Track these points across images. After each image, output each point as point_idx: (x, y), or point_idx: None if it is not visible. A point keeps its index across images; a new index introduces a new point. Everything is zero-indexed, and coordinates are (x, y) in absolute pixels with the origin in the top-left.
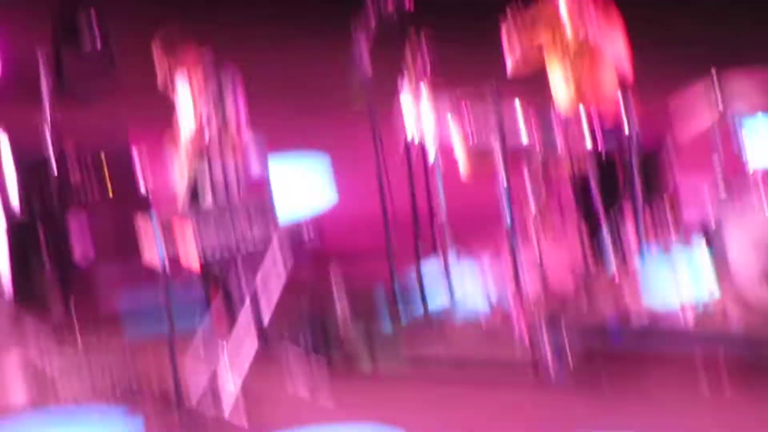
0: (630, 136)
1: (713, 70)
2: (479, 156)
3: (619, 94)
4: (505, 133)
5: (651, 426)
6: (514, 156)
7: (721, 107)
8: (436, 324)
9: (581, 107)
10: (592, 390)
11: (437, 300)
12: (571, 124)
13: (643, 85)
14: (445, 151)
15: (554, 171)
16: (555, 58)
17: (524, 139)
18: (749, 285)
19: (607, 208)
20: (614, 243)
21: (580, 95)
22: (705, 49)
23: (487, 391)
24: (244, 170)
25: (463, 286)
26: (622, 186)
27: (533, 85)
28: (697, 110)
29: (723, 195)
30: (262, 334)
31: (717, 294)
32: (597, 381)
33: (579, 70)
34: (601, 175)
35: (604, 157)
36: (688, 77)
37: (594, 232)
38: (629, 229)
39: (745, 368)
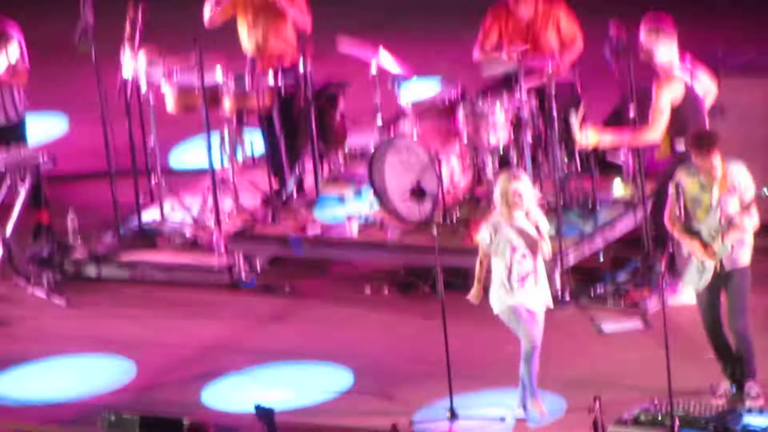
0: (304, 76)
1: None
2: (183, 93)
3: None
4: (203, 74)
5: (324, 318)
6: (213, 93)
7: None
8: (149, 235)
9: (263, 53)
10: (275, 291)
11: (150, 215)
12: (255, 66)
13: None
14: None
15: (243, 104)
16: (242, 14)
17: (219, 79)
18: (400, 200)
19: (287, 135)
20: (292, 167)
21: (264, 43)
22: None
23: (188, 291)
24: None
25: (172, 203)
26: (299, 117)
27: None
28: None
29: (379, 124)
30: (5, 244)
31: (376, 208)
32: (281, 283)
33: (263, 22)
34: (282, 108)
35: (283, 93)
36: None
37: (276, 156)
38: (308, 153)
39: (399, 271)
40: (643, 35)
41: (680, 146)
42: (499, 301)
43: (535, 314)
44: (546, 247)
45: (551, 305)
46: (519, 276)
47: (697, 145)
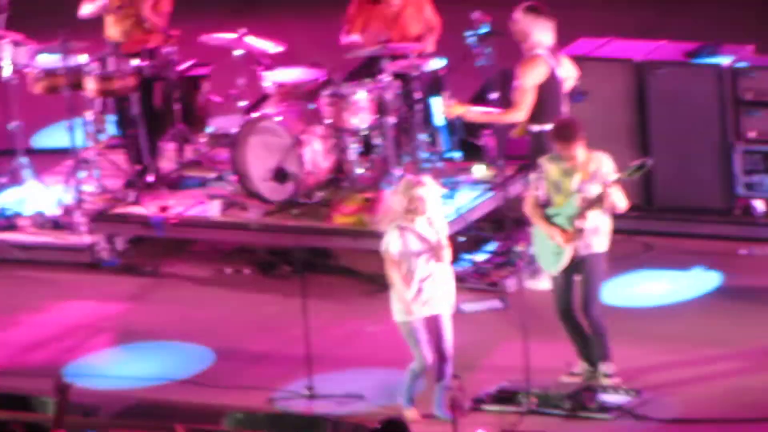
0: (168, 58)
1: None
2: (47, 75)
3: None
4: (68, 56)
5: (185, 298)
6: (76, 75)
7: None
8: (10, 215)
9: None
10: (137, 271)
11: (11, 195)
12: (119, 49)
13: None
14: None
15: (107, 86)
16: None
17: (83, 61)
18: (262, 181)
19: (151, 117)
20: (155, 148)
21: (129, 28)
22: None
23: (50, 271)
24: None
25: (34, 183)
26: (162, 99)
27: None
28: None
29: (242, 105)
30: None
31: (238, 189)
32: (142, 263)
33: (127, 14)
34: (145, 90)
35: (147, 75)
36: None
37: (140, 138)
38: (171, 135)
39: (260, 251)
40: (520, 15)
41: (534, 127)
42: (400, 312)
43: (439, 318)
44: (446, 254)
45: (452, 309)
46: (421, 280)
47: (559, 134)
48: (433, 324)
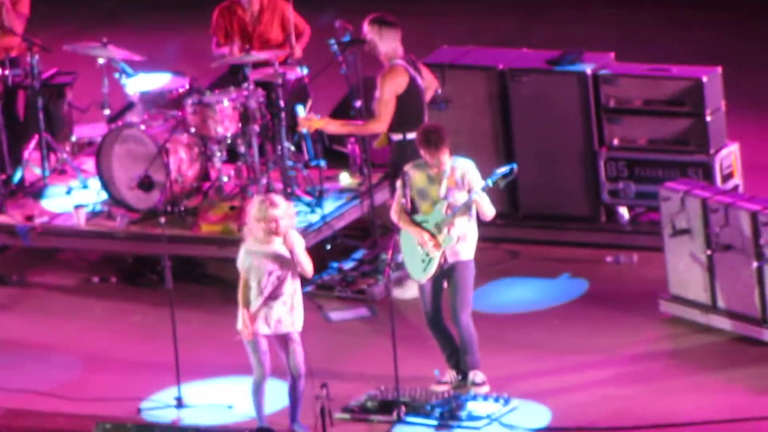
0: (31, 67)
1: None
2: None
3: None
4: None
5: (52, 307)
6: None
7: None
8: None
9: None
10: (3, 280)
11: None
12: None
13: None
14: None
15: None
16: None
17: None
18: (127, 189)
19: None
20: (19, 157)
21: None
22: None
23: None
24: None
25: None
26: (26, 107)
27: None
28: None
29: (107, 114)
30: None
31: (104, 197)
32: (8, 273)
33: None
34: (8, 98)
35: (10, 83)
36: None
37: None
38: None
39: (127, 260)
40: (367, 27)
41: (395, 136)
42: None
43: (289, 337)
44: (308, 266)
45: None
46: (271, 298)
47: (426, 141)
48: (283, 343)
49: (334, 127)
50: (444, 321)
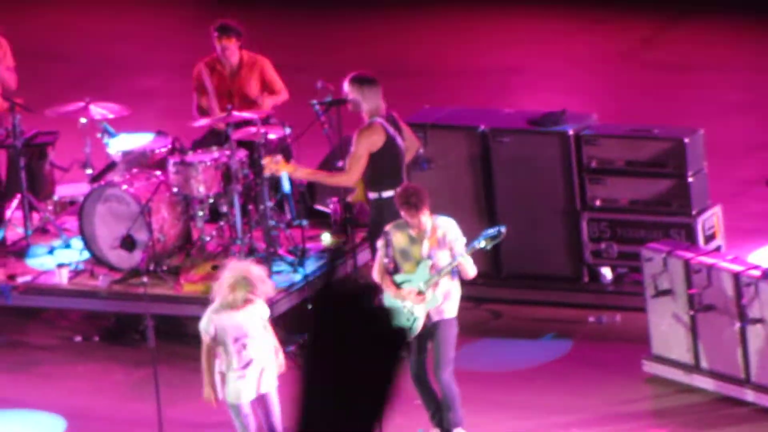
0: (13, 126)
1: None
2: None
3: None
4: None
5: (34, 365)
6: None
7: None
8: None
9: None
10: None
11: None
12: None
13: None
14: None
15: None
16: None
17: None
18: (110, 249)
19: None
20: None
21: None
22: None
23: None
24: None
25: None
26: (8, 167)
27: None
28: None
29: (90, 174)
30: None
31: (86, 257)
32: None
33: None
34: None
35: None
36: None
37: None
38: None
39: (109, 318)
40: (348, 86)
41: (372, 194)
42: (226, 394)
43: (267, 397)
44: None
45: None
46: (241, 365)
47: (406, 202)
48: (261, 402)
49: (301, 173)
50: (428, 378)
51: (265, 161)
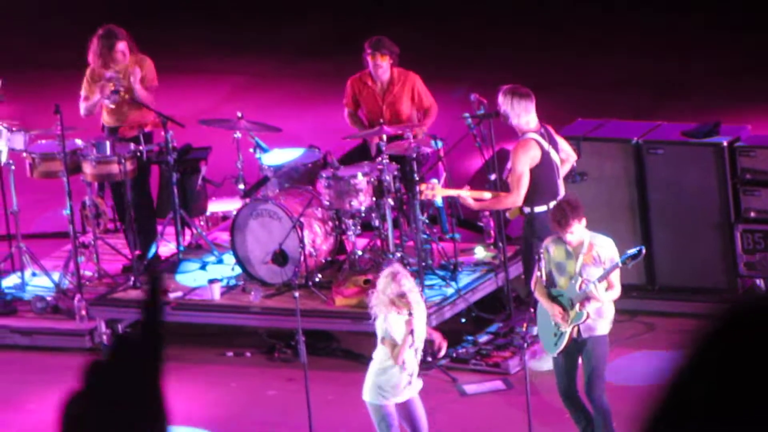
0: (166, 141)
1: None
2: (44, 160)
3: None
4: (65, 141)
5: (188, 381)
6: (73, 159)
7: None
8: (9, 301)
9: None
10: None
11: (11, 280)
12: (116, 133)
13: None
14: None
15: (104, 170)
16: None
17: (80, 145)
18: (262, 264)
19: (149, 200)
20: (154, 232)
21: (125, 110)
22: None
23: (50, 356)
24: None
25: (33, 268)
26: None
27: None
28: None
29: (242, 189)
30: None
31: (238, 272)
32: None
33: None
34: (144, 174)
35: (145, 158)
36: None
37: (139, 221)
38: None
39: (261, 334)
40: (500, 98)
41: (526, 208)
42: (374, 394)
43: (411, 403)
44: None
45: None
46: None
47: (556, 216)
48: (404, 409)
49: (467, 201)
50: (578, 395)
51: (421, 187)
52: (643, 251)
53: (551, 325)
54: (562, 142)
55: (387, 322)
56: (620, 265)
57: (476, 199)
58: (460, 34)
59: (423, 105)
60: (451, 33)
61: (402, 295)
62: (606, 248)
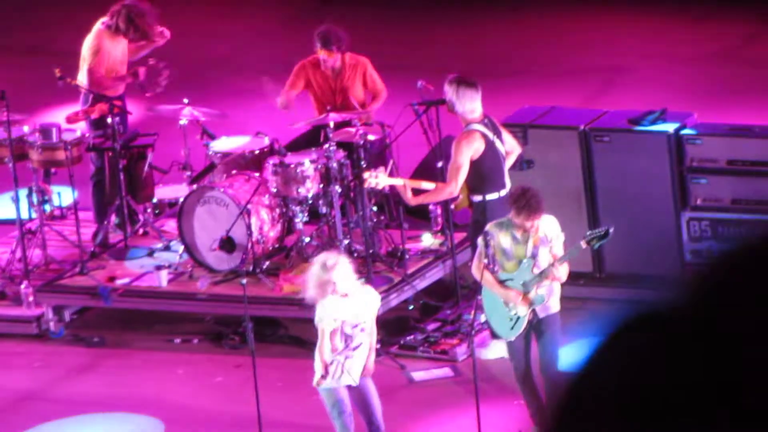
0: (112, 128)
1: None
2: None
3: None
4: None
5: (134, 368)
6: (19, 146)
7: None
8: None
9: None
10: (85, 341)
11: None
12: (64, 120)
13: None
14: None
15: (50, 156)
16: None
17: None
18: (209, 251)
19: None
20: (101, 218)
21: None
22: None
23: None
24: None
25: None
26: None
27: None
28: None
29: (189, 175)
30: None
31: (185, 259)
32: (90, 334)
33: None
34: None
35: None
36: None
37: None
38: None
39: (209, 321)
40: (446, 86)
41: (476, 197)
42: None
43: (363, 388)
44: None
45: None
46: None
47: (526, 205)
48: (357, 395)
49: (405, 196)
50: (534, 377)
51: (366, 175)
52: (611, 231)
53: (504, 310)
54: (506, 135)
55: (316, 308)
56: (586, 246)
57: (414, 193)
58: (410, 17)
59: (375, 89)
60: (401, 17)
61: (326, 282)
62: (551, 225)
